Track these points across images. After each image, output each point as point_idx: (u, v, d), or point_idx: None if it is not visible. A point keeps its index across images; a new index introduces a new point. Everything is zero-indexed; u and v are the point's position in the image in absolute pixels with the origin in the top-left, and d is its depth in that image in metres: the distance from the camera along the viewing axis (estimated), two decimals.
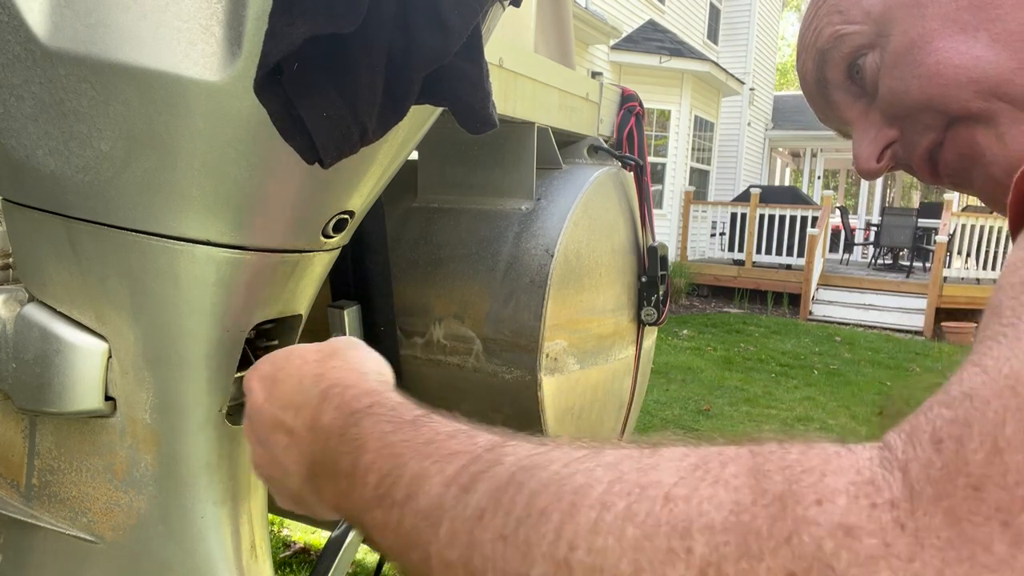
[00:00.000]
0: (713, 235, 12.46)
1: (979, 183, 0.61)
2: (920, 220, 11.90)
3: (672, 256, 11.35)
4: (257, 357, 0.88)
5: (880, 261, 13.17)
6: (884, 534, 0.24)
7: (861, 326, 9.72)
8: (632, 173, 1.59)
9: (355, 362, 0.53)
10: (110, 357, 0.77)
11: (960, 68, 0.58)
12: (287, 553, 2.68)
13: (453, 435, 0.38)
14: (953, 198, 10.36)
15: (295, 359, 0.55)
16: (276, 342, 0.89)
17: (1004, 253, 9.79)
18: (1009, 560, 0.22)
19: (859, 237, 15.21)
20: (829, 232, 11.73)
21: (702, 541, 0.26)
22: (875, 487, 0.26)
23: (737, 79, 14.32)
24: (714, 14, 16.22)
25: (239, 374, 0.83)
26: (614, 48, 11.74)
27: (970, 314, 9.37)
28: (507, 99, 1.22)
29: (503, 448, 0.35)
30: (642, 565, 0.27)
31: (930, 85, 0.59)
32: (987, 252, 9.83)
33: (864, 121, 0.68)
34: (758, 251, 11.10)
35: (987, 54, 0.57)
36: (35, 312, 0.77)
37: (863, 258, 14.69)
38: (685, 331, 8.34)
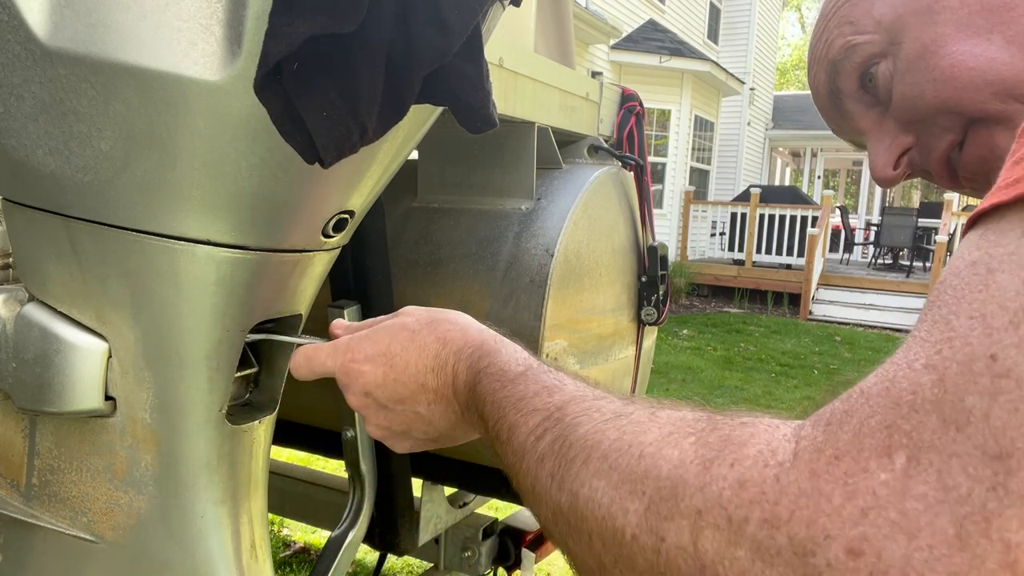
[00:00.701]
0: (713, 235, 12.46)
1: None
2: (920, 220, 11.90)
3: (672, 256, 11.35)
4: (258, 358, 0.88)
5: (880, 261, 13.17)
6: (763, 484, 0.33)
7: (861, 326, 9.72)
8: (632, 173, 1.58)
9: (463, 323, 0.64)
10: (110, 357, 0.77)
11: (975, 70, 0.58)
12: (287, 553, 2.68)
13: (538, 393, 0.51)
14: (953, 198, 10.35)
15: (401, 332, 0.64)
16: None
17: None
18: (839, 508, 0.30)
19: (859, 237, 15.21)
20: (829, 232, 11.73)
21: (652, 485, 0.37)
22: (773, 454, 0.34)
23: (737, 79, 14.31)
24: (714, 14, 16.22)
25: (239, 374, 0.83)
26: (614, 48, 11.74)
27: None
28: (507, 99, 1.22)
29: (567, 407, 0.47)
30: (615, 499, 0.39)
31: (945, 88, 0.59)
32: None
33: (879, 130, 0.68)
34: (758, 251, 11.10)
35: (1002, 56, 0.57)
36: (35, 312, 0.77)
37: (863, 258, 14.69)
38: (685, 331, 8.34)
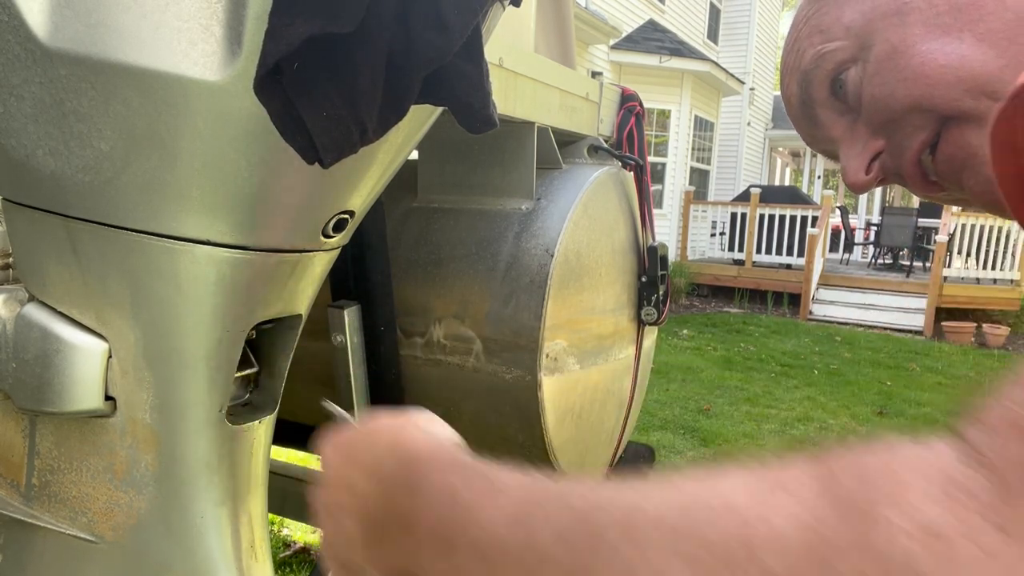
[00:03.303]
0: (713, 235, 12.46)
1: (971, 184, 0.61)
2: (920, 220, 11.89)
3: (672, 256, 11.35)
4: (258, 358, 0.88)
5: (880, 261, 13.17)
6: (974, 534, 0.23)
7: (861, 326, 9.71)
8: (632, 173, 1.59)
9: (425, 425, 0.51)
10: (110, 357, 0.77)
11: (946, 67, 0.58)
12: (287, 553, 2.68)
13: (506, 473, 0.38)
14: None
15: (371, 426, 0.52)
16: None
17: (1004, 253, 9.80)
18: None
19: (859, 237, 15.21)
20: (829, 232, 11.73)
21: (773, 560, 0.25)
22: (957, 485, 0.24)
23: (737, 79, 14.31)
24: (714, 14, 16.22)
25: (239, 374, 0.83)
26: (614, 48, 11.74)
27: (970, 314, 9.37)
28: (507, 99, 1.22)
29: (557, 487, 0.36)
30: None
31: (915, 86, 0.59)
32: (987, 252, 9.83)
33: (850, 136, 0.68)
34: (758, 251, 11.09)
35: (973, 53, 0.57)
36: (35, 312, 0.77)
37: (863, 258, 14.69)
38: (685, 331, 8.34)
